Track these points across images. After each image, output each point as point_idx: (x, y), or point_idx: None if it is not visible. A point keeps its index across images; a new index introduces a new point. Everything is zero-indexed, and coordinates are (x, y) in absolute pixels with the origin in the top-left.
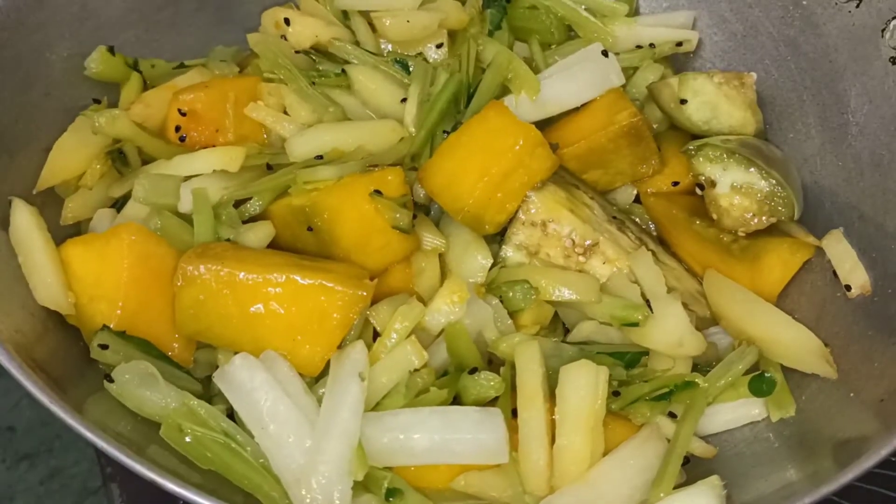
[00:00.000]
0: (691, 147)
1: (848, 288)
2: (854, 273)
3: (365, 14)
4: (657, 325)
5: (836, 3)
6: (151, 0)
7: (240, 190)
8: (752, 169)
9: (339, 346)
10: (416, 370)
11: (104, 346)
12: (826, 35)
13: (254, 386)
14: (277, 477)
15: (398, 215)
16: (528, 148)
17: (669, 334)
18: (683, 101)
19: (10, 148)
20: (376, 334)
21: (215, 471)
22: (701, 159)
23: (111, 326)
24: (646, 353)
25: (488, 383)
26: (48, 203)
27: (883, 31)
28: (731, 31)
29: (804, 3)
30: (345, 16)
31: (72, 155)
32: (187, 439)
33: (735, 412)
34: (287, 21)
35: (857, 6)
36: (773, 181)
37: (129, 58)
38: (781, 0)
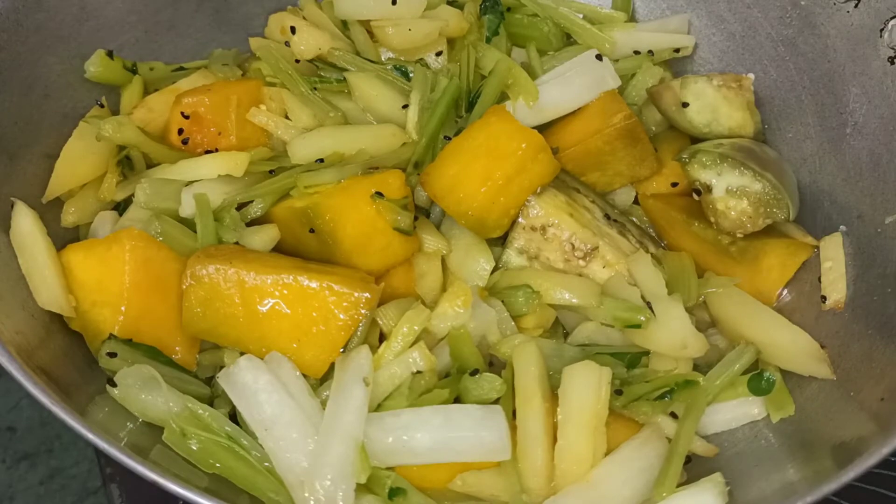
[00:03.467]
0: (685, 155)
1: (823, 299)
2: (835, 285)
3: (364, 23)
4: (660, 327)
5: (835, 4)
6: (150, 2)
7: (242, 193)
8: (746, 172)
9: (344, 348)
10: (419, 372)
11: (112, 355)
12: (824, 35)
13: (258, 388)
14: (281, 479)
15: (399, 217)
16: (531, 152)
17: (673, 336)
18: (685, 105)
19: (10, 150)
20: (382, 336)
21: (219, 474)
22: (695, 166)
23: (115, 332)
24: (646, 353)
25: (490, 385)
26: (48, 205)
27: (881, 31)
28: (729, 31)
29: (802, 3)
30: (344, 25)
31: (79, 163)
32: (191, 443)
33: (734, 411)
34: (293, 30)
35: (856, 6)
36: (768, 183)
37: (127, 61)
38: (780, 0)
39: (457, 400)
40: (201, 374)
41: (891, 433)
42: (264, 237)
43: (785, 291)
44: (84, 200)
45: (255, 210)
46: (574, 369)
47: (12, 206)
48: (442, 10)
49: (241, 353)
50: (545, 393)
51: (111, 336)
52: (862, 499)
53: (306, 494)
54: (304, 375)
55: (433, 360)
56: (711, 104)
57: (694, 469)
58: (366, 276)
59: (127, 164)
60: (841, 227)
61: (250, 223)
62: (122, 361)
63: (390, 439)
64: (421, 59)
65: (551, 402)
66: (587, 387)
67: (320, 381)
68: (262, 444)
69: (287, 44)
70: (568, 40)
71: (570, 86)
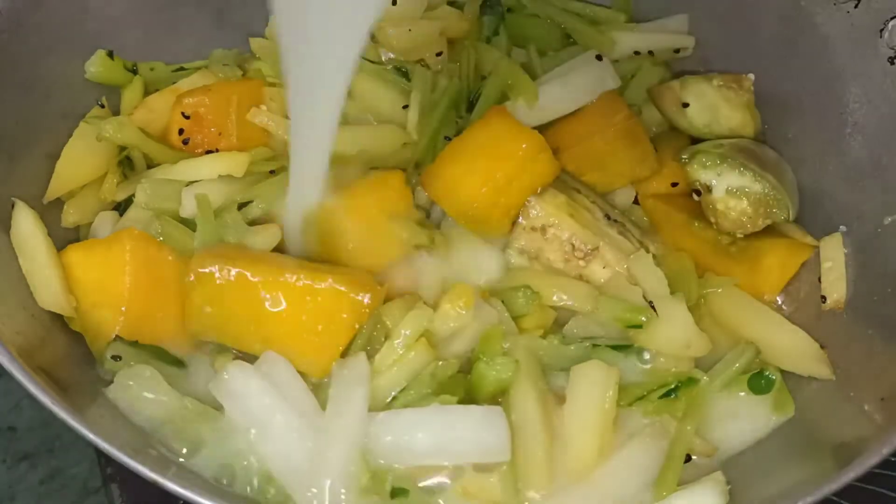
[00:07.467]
0: (685, 156)
1: (823, 299)
2: (835, 285)
3: None
4: (664, 326)
5: (835, 4)
6: (150, 2)
7: (242, 193)
8: (746, 172)
9: (348, 348)
10: (439, 363)
11: (117, 358)
12: (824, 35)
13: (248, 394)
14: (281, 480)
15: (417, 234)
16: (532, 153)
17: (677, 336)
18: (685, 105)
19: (10, 151)
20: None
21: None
22: (695, 166)
23: (116, 332)
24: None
25: (503, 365)
26: (48, 205)
27: (881, 31)
28: (729, 31)
29: (802, 3)
30: None
31: (80, 163)
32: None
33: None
34: None
35: (856, 6)
36: (768, 184)
37: (128, 61)
38: (780, 0)
39: (470, 391)
40: None
41: (891, 433)
42: (266, 237)
43: (785, 291)
44: (85, 201)
45: (256, 210)
46: (582, 368)
47: (13, 207)
48: (442, 11)
49: (235, 357)
50: (541, 393)
51: (116, 338)
52: (862, 499)
53: (309, 494)
54: (308, 375)
55: (436, 354)
56: (711, 104)
57: (694, 468)
58: (369, 276)
59: (127, 164)
60: (841, 227)
61: (251, 223)
62: (126, 363)
63: (391, 439)
64: (421, 59)
65: (552, 402)
66: (595, 386)
67: (324, 380)
68: (259, 448)
69: None
70: (568, 40)
71: (570, 86)
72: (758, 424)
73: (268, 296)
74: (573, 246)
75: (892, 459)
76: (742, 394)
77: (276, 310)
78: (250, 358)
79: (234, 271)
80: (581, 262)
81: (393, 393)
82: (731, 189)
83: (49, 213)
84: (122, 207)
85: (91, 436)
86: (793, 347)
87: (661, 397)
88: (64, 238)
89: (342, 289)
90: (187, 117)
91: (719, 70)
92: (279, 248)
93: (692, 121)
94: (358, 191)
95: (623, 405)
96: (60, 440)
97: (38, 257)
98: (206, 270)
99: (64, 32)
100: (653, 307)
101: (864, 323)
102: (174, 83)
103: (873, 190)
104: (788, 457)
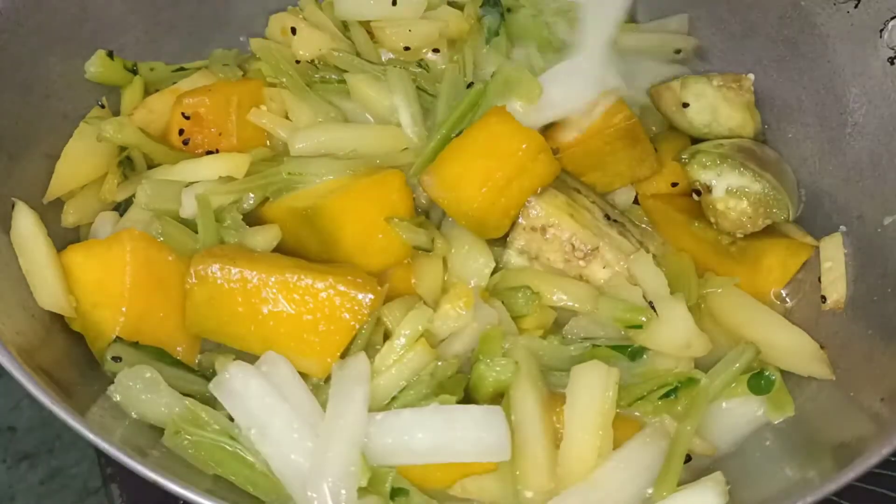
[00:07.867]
0: (685, 155)
1: (823, 299)
2: (835, 286)
3: (364, 23)
4: (664, 326)
5: (835, 4)
6: (150, 2)
7: (241, 193)
8: (746, 172)
9: (348, 349)
10: (438, 363)
11: (117, 359)
12: (824, 35)
13: (249, 394)
14: (282, 481)
15: (416, 235)
16: (532, 153)
17: (677, 336)
18: (685, 105)
19: (10, 151)
20: (386, 334)
21: (220, 475)
22: (695, 166)
23: (116, 333)
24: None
25: (503, 367)
26: (48, 206)
27: (881, 31)
28: (729, 31)
29: (802, 3)
30: (344, 25)
31: (80, 164)
32: (190, 445)
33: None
34: (294, 30)
35: (856, 6)
36: (768, 184)
37: (128, 61)
38: (780, 0)
39: (470, 391)
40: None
41: (891, 433)
42: (266, 237)
43: (785, 291)
44: (85, 201)
45: (247, 202)
46: (582, 369)
47: (13, 207)
48: (442, 11)
49: (236, 358)
50: (541, 393)
51: (117, 339)
52: (862, 499)
53: (309, 494)
54: (309, 375)
55: (436, 354)
56: (711, 104)
57: (694, 468)
58: (369, 276)
59: (128, 164)
60: (841, 227)
61: (249, 223)
62: (126, 364)
63: (391, 439)
64: (421, 59)
65: (552, 402)
66: (595, 386)
67: (326, 380)
68: (260, 448)
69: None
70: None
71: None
72: (758, 425)
73: (268, 296)
74: (573, 246)
75: (892, 459)
76: (742, 394)
77: (276, 310)
78: (251, 358)
79: (234, 271)
80: (581, 263)
81: (393, 393)
82: (731, 189)
83: (49, 213)
84: (122, 208)
85: (91, 436)
86: (793, 347)
87: (661, 397)
88: (64, 238)
89: (342, 289)
90: (187, 117)
91: (719, 70)
92: (279, 249)
93: (692, 121)
94: (358, 191)
95: (623, 405)
96: (60, 440)
97: (38, 257)
98: (207, 271)
99: (64, 32)
100: (653, 307)
101: (864, 323)
102: (174, 83)
103: (873, 190)
104: (788, 457)
